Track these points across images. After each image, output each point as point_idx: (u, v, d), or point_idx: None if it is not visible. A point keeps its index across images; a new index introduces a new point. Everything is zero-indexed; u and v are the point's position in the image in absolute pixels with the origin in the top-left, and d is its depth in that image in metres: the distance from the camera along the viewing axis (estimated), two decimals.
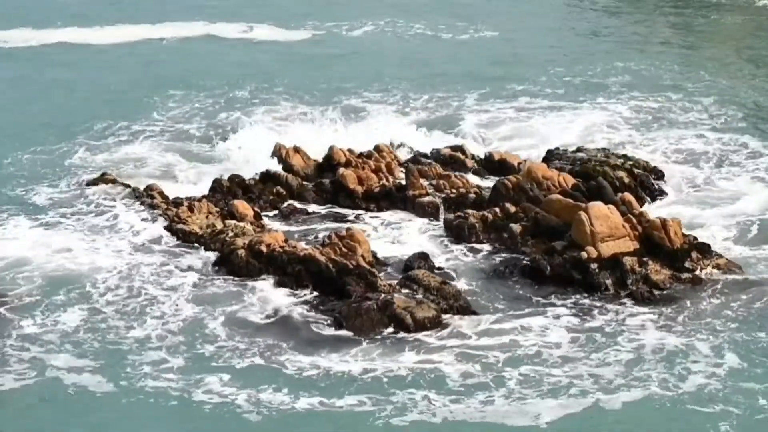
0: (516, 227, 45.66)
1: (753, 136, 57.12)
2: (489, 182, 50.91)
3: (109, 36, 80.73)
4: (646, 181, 50.79)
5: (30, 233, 47.46)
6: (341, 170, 50.81)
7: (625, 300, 41.53)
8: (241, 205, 48.20)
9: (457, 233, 46.52)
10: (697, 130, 58.64)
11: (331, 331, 39.65)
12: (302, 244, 44.90)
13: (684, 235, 44.04)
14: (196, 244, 45.86)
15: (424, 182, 50.01)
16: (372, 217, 48.85)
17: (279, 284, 42.77)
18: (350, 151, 53.13)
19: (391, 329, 39.48)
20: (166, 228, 47.16)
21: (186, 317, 40.82)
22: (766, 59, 71.88)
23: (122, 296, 42.26)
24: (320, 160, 52.93)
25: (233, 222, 46.94)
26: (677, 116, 60.98)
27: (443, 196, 49.23)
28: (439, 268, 43.82)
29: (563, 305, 41.31)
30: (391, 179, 50.76)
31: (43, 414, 35.40)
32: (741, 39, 77.04)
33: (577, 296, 41.88)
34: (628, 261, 42.73)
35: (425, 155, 53.59)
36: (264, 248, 44.06)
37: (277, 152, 53.21)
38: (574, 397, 35.55)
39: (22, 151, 57.01)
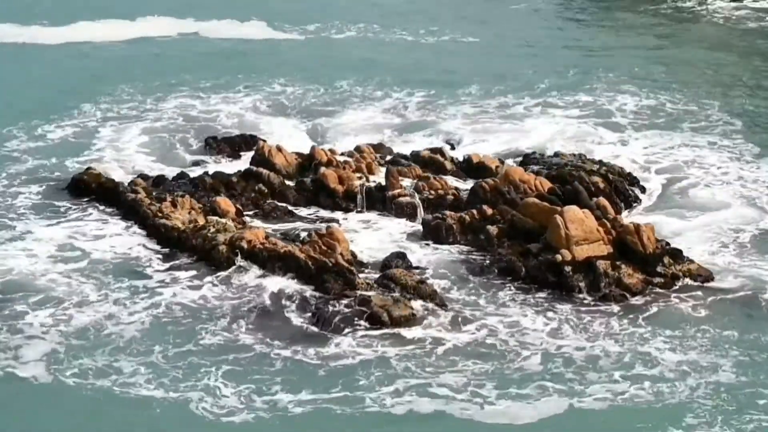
0: (492, 229, 46.45)
1: (739, 145, 58.02)
2: (467, 184, 51.78)
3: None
4: (620, 187, 51.63)
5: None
6: (322, 169, 51.56)
7: (598, 301, 42.39)
8: (224, 202, 48.87)
9: (434, 234, 47.31)
10: (683, 136, 59.53)
11: (309, 327, 40.46)
12: (282, 242, 45.63)
13: (657, 240, 44.97)
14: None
15: (407, 182, 50.88)
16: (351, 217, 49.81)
17: (262, 279, 43.65)
18: (331, 150, 53.99)
19: (367, 326, 40.27)
20: (148, 224, 47.92)
21: (167, 312, 41.64)
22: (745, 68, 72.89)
23: (102, 291, 43.07)
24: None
25: (215, 218, 47.61)
26: (663, 120, 61.89)
27: (422, 197, 50.05)
28: (417, 268, 44.65)
29: (537, 306, 42.11)
30: (371, 179, 51.57)
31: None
32: (718, 46, 77.94)
33: (551, 298, 42.71)
34: (602, 264, 43.56)
35: (405, 157, 54.35)
36: (245, 244, 44.77)
37: (260, 150, 53.86)
38: (547, 397, 36.35)
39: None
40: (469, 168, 53.71)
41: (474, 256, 45.77)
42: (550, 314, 41.52)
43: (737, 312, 41.68)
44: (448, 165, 53.80)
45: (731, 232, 47.91)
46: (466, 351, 39.00)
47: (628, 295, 42.67)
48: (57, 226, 48.28)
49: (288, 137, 58.20)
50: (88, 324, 40.43)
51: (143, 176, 52.62)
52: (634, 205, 50.99)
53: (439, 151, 55.03)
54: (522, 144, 58.02)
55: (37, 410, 35.80)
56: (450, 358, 38.51)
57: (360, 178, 51.53)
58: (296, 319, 41.00)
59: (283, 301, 42.13)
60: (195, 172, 53.27)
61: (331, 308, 40.98)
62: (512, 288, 43.38)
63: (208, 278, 43.91)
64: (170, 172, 53.80)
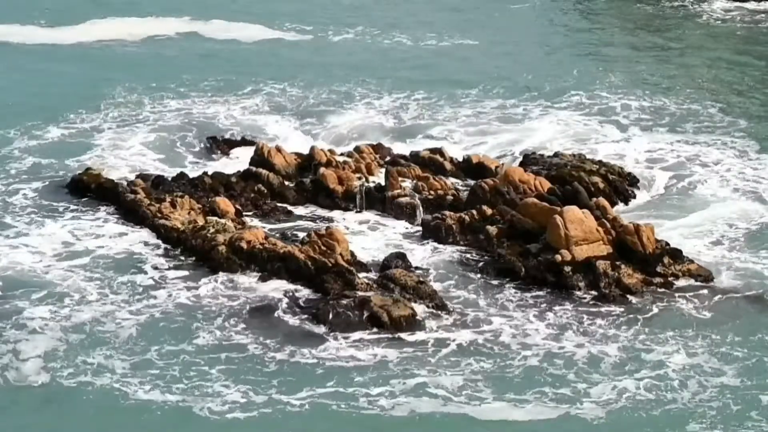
0: (492, 229, 46.41)
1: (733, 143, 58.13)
2: (467, 184, 51.76)
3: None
4: (620, 187, 51.60)
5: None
6: (321, 170, 51.53)
7: (598, 301, 42.37)
8: (223, 203, 48.84)
9: (434, 234, 47.28)
10: (686, 134, 59.57)
11: (309, 327, 40.43)
12: (282, 242, 45.57)
13: (657, 240, 44.92)
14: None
15: (407, 182, 50.85)
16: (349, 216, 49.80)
17: (261, 279, 43.69)
18: (331, 151, 53.96)
19: (367, 326, 40.23)
20: (148, 224, 47.89)
21: (166, 312, 41.57)
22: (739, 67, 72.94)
23: (101, 290, 43.07)
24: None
25: (215, 218, 47.59)
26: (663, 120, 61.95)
27: (421, 197, 50.00)
28: (416, 268, 44.59)
29: (537, 307, 42.08)
30: (371, 179, 51.55)
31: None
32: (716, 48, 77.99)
33: (551, 298, 42.68)
34: (601, 264, 43.54)
35: (405, 157, 54.30)
36: (244, 245, 44.74)
37: (260, 151, 53.81)
38: (547, 399, 36.32)
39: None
40: (469, 168, 53.68)
41: (474, 257, 45.76)
42: (549, 314, 41.50)
43: (740, 312, 41.68)
44: (448, 165, 53.75)
45: (734, 229, 47.97)
46: (466, 351, 38.96)
47: (627, 295, 42.62)
48: (56, 226, 48.29)
49: (287, 138, 58.23)
50: (87, 322, 40.44)
51: (143, 176, 52.56)
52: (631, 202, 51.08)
53: (438, 151, 54.95)
54: (522, 144, 58.03)
55: (35, 408, 35.78)
56: (450, 359, 38.47)
57: (359, 178, 51.52)
58: (295, 320, 40.97)
59: (283, 302, 42.11)
60: (195, 173, 53.18)
61: (330, 309, 40.90)
62: (512, 288, 43.38)
63: (208, 278, 43.90)
64: (170, 172, 53.73)
